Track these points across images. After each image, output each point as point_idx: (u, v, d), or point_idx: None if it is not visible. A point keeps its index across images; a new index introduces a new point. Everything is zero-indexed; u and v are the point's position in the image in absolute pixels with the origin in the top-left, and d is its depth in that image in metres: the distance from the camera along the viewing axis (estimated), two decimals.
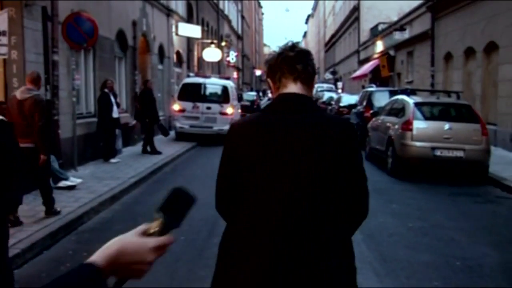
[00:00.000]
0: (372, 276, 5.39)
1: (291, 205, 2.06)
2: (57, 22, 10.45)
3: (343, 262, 2.11)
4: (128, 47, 16.43)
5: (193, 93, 17.95)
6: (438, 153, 10.90)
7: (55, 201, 7.42)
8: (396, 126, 11.67)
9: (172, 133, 18.89)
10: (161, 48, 20.91)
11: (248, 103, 34.66)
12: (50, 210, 7.26)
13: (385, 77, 31.18)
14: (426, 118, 11.55)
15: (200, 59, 30.14)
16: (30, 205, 7.51)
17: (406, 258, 5.97)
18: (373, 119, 14.28)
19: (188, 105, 17.70)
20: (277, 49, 2.32)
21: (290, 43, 2.31)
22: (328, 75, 67.10)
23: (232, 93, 18.90)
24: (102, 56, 13.81)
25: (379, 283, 5.25)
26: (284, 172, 2.08)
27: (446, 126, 11.05)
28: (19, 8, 9.25)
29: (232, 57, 42.43)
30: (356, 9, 45.94)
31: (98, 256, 1.21)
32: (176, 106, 18.07)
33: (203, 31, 28.59)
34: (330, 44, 71.32)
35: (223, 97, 18.24)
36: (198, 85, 18.23)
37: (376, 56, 35.49)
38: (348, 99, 24.62)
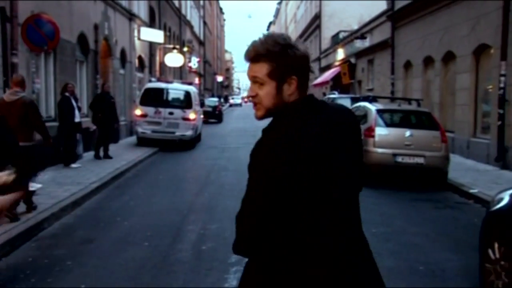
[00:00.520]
0: None
1: (346, 208, 2.04)
2: (16, 23, 10.23)
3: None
4: (89, 51, 16.20)
5: (155, 98, 17.80)
6: (399, 159, 11.07)
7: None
8: None
9: (134, 139, 18.70)
10: (123, 52, 20.69)
11: (210, 109, 34.67)
12: (30, 206, 7.76)
13: (346, 84, 31.58)
14: (388, 125, 11.72)
15: (162, 64, 29.93)
16: None
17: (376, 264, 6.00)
18: None
19: (150, 110, 17.53)
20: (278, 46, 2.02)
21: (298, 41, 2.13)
22: None
23: (195, 99, 18.83)
24: (63, 60, 13.56)
25: None
26: (341, 176, 2.01)
27: (407, 133, 11.24)
28: None
29: (194, 62, 42.32)
30: (317, 17, 46.43)
31: None
32: (138, 111, 17.87)
33: (165, 36, 28.42)
34: None
35: (186, 102, 18.15)
36: (161, 90, 18.10)
37: (337, 63, 35.92)
38: None
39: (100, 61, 17.44)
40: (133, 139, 19.06)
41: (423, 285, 5.45)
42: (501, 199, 5.02)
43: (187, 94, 18.32)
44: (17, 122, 7.17)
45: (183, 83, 21.42)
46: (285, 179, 1.87)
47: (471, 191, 10.31)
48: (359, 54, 30.13)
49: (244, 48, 2.10)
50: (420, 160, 11.05)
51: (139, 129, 17.68)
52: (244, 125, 32.59)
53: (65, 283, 5.33)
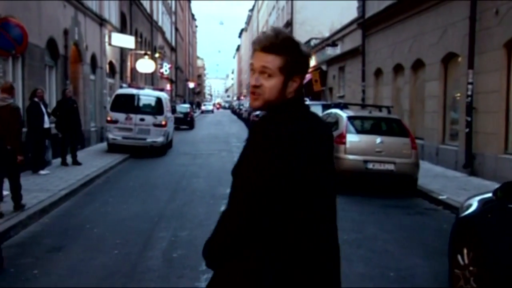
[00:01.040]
0: None
1: (330, 212, 2.09)
2: None
3: None
4: (59, 56, 15.98)
5: (126, 104, 17.63)
6: (370, 166, 11.16)
7: (22, 197, 8.23)
8: None
9: (104, 145, 18.48)
10: (93, 58, 20.46)
11: (181, 115, 34.49)
12: (18, 205, 8.07)
13: (317, 91, 31.78)
14: (359, 131, 11.81)
15: (134, 70, 29.71)
16: None
17: (342, 270, 6.02)
18: None
19: (121, 116, 17.34)
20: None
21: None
22: None
23: (166, 105, 18.72)
24: (31, 65, 13.34)
25: None
26: (327, 183, 2.07)
27: (378, 139, 11.33)
28: None
29: (166, 68, 42.08)
30: (289, 24, 46.71)
31: None
32: (108, 117, 17.67)
33: (136, 42, 28.21)
34: None
35: (157, 108, 18.02)
36: (132, 96, 17.93)
37: (308, 70, 36.11)
38: None
39: (70, 66, 17.22)
40: (104, 145, 18.84)
41: None
42: (470, 206, 5.09)
43: (159, 100, 18.20)
44: (6, 127, 7.73)
45: (155, 89, 21.31)
46: (282, 175, 1.88)
47: (440, 197, 10.45)
48: (330, 62, 30.38)
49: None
50: (391, 167, 11.15)
51: (110, 135, 17.47)
52: (216, 132, 32.53)
53: None
